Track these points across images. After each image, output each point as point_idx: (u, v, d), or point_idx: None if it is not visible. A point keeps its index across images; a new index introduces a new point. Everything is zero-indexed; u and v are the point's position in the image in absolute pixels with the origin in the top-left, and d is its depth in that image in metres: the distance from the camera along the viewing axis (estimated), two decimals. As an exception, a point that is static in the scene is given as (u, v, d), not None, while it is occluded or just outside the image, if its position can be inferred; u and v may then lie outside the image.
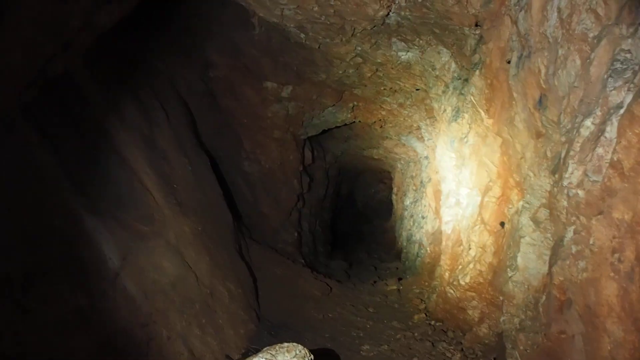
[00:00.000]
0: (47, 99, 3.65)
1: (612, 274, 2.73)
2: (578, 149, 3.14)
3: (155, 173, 4.94)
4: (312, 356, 3.32)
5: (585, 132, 3.07)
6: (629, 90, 2.70)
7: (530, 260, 4.45)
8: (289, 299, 6.85)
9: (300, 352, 3.26)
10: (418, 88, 7.72)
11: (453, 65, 6.30)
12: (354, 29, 6.14)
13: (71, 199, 3.57)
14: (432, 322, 6.40)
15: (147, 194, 4.60)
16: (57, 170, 3.57)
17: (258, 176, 8.87)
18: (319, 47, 6.93)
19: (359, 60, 7.21)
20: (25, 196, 3.23)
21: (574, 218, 3.15)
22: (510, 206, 4.97)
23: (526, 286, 4.50)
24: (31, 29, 2.84)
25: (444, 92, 6.77)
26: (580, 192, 3.07)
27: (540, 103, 3.94)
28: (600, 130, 2.90)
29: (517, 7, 4.29)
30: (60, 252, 3.29)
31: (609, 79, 2.86)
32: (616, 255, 2.70)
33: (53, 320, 3.05)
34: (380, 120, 9.61)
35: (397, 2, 5.45)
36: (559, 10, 3.50)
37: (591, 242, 2.93)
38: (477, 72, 5.41)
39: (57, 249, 3.28)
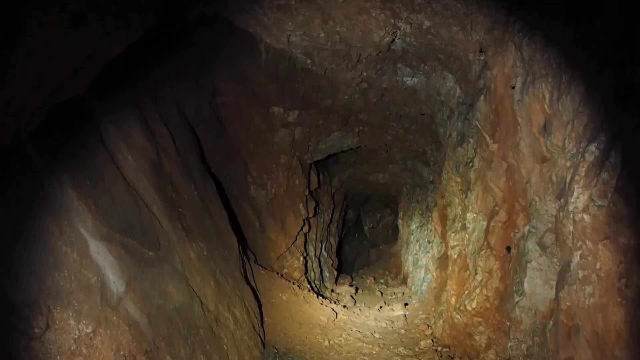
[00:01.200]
0: (56, 124, 3.69)
1: (619, 300, 2.71)
2: (583, 173, 3.14)
3: (162, 198, 4.96)
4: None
5: (590, 157, 3.08)
6: (633, 115, 2.71)
7: (537, 285, 4.42)
8: (294, 325, 6.81)
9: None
10: (423, 113, 7.76)
11: (458, 90, 6.34)
12: (360, 55, 6.20)
13: (78, 225, 3.59)
14: (439, 349, 6.34)
15: (154, 219, 4.61)
16: (65, 196, 3.59)
17: (264, 201, 8.88)
18: (325, 73, 6.99)
19: (365, 85, 7.26)
20: (33, 223, 3.25)
21: (580, 243, 3.13)
22: (516, 231, 4.95)
23: (533, 312, 4.46)
24: (41, 55, 2.88)
25: (449, 117, 6.80)
26: (586, 217, 3.06)
27: (545, 128, 3.95)
28: (605, 155, 2.91)
29: (520, 34, 4.33)
30: (66, 277, 3.29)
31: (613, 105, 2.88)
32: (623, 280, 2.68)
33: (57, 348, 3.04)
34: (385, 145, 9.65)
35: (402, 28, 5.51)
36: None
37: (598, 267, 2.92)
38: (482, 97, 5.44)
39: (63, 275, 3.28)
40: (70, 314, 3.21)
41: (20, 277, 3.00)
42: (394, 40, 5.79)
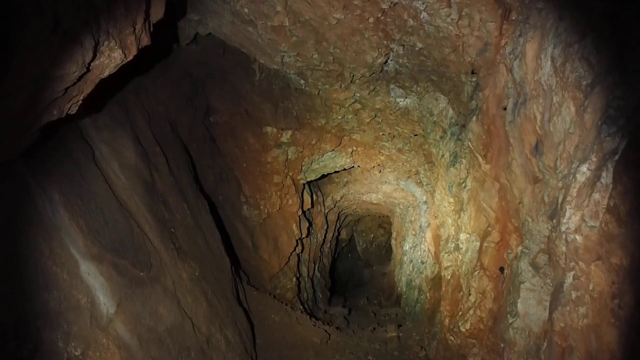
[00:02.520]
0: (47, 143, 3.68)
1: (612, 320, 2.70)
2: (575, 194, 3.14)
3: (154, 218, 4.94)
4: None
5: (581, 178, 3.08)
6: (623, 136, 2.72)
7: (530, 306, 4.40)
8: (287, 347, 6.75)
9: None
10: (416, 133, 7.79)
11: (450, 111, 6.37)
12: (353, 75, 6.24)
13: (69, 245, 3.56)
14: (433, 370, 6.30)
15: (145, 239, 4.58)
16: (56, 215, 3.56)
17: (257, 221, 8.86)
18: (318, 93, 7.03)
19: (358, 106, 7.30)
20: (23, 243, 3.22)
21: (573, 263, 3.13)
22: (509, 251, 4.95)
23: (527, 332, 4.44)
24: (33, 73, 2.88)
25: (442, 137, 6.83)
26: (579, 238, 3.06)
27: (537, 149, 3.97)
28: (596, 176, 2.91)
29: (511, 55, 4.37)
30: (56, 298, 3.26)
31: (604, 125, 2.89)
32: (616, 301, 2.68)
33: (46, 368, 3.00)
34: (379, 165, 9.66)
35: (395, 50, 5.55)
36: (553, 58, 3.57)
37: (591, 287, 2.91)
38: (474, 118, 5.46)
39: (53, 295, 3.25)
40: (59, 336, 3.17)
41: (9, 297, 2.96)
42: (386, 61, 5.83)
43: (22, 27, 2.63)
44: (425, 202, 10.02)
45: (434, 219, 8.58)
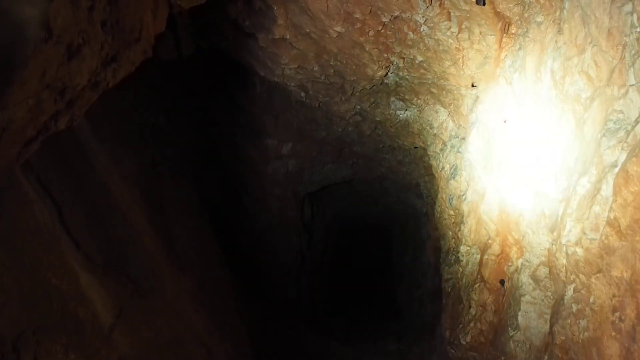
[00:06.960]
0: (48, 155, 3.69)
1: (613, 333, 2.69)
2: (575, 207, 3.15)
3: (154, 229, 4.93)
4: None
5: (581, 191, 3.09)
6: (622, 149, 2.74)
7: (531, 319, 4.39)
8: (287, 359, 6.72)
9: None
10: (416, 146, 7.80)
11: (450, 124, 6.39)
12: (354, 88, 6.26)
13: (69, 256, 3.56)
14: (433, 383, 6.26)
15: (146, 250, 4.58)
16: (56, 226, 3.56)
17: (258, 233, 8.85)
18: (319, 106, 7.04)
19: (359, 118, 7.31)
20: (22, 254, 3.22)
21: (573, 276, 3.13)
22: (509, 264, 4.94)
23: (528, 346, 4.42)
24: (36, 86, 2.89)
25: (442, 149, 6.84)
26: (579, 250, 3.06)
27: (537, 162, 3.98)
28: (596, 189, 2.92)
29: (511, 68, 4.39)
30: (55, 310, 3.25)
31: (603, 138, 2.91)
32: (617, 314, 2.67)
33: (45, 380, 2.99)
34: (379, 177, 9.67)
35: (395, 62, 5.57)
36: (552, 72, 3.59)
37: (591, 300, 2.91)
38: (474, 130, 5.48)
39: (52, 307, 3.24)
40: (59, 348, 3.16)
41: (7, 309, 2.96)
42: (387, 74, 5.85)
43: (23, 39, 2.64)
44: (426, 214, 10.00)
45: (434, 231, 8.57)
